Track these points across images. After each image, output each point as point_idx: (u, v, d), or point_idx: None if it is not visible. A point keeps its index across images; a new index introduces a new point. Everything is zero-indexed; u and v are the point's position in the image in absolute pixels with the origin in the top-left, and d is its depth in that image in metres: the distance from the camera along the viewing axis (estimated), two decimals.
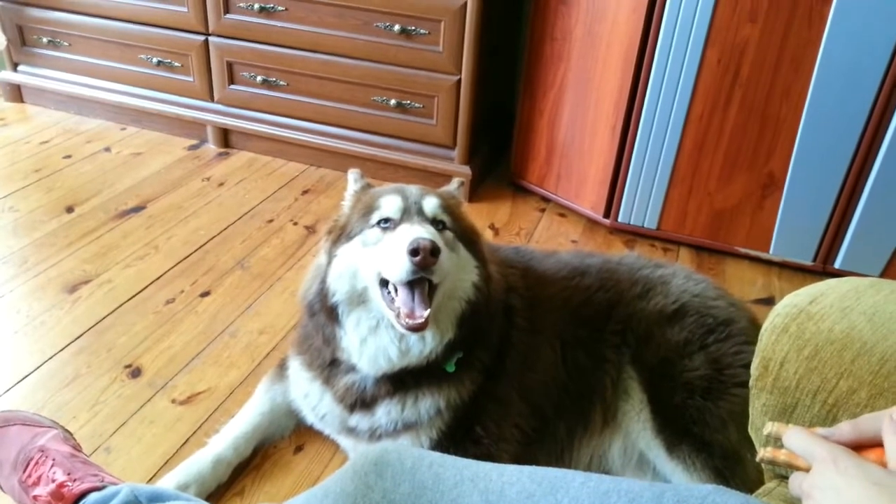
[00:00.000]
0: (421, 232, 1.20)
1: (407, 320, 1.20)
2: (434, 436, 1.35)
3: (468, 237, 1.35)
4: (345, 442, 1.46)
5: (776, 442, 0.75)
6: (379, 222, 1.28)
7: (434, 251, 1.16)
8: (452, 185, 1.49)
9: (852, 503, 0.59)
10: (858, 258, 2.24)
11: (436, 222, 1.28)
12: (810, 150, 2.14)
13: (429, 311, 1.21)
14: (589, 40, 2.32)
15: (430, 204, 1.30)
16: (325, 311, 1.33)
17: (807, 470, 0.68)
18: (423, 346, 1.29)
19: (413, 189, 1.34)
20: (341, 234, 1.34)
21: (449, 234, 1.30)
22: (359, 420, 1.37)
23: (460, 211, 1.39)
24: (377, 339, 1.30)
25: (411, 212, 1.28)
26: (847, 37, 1.96)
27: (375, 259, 1.26)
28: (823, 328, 0.85)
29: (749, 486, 1.27)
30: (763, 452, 0.74)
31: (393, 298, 1.23)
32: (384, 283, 1.25)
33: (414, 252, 1.15)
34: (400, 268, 1.18)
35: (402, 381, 1.33)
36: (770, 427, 0.74)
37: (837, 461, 0.62)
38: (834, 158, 2.13)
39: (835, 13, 1.95)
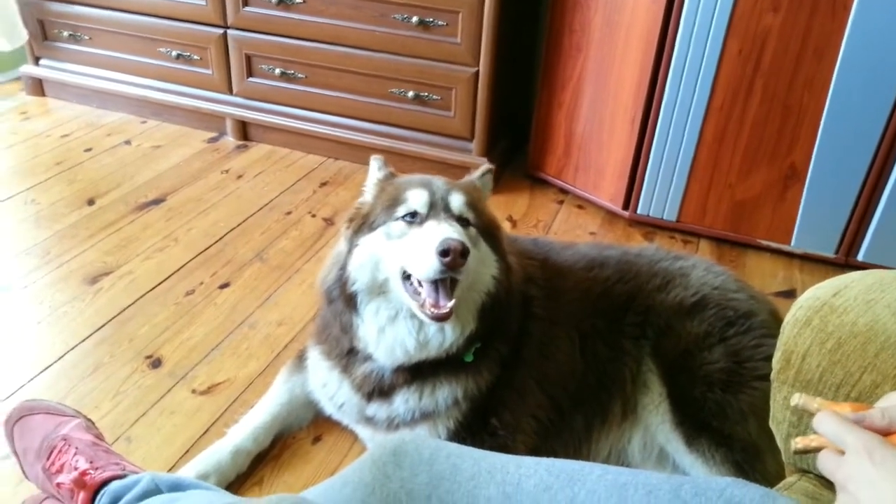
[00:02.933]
0: (450, 232, 1.20)
1: (432, 310, 1.21)
2: (451, 426, 1.36)
3: (489, 231, 1.35)
4: (363, 431, 1.47)
5: (802, 414, 0.73)
6: (405, 216, 1.28)
7: (464, 253, 1.16)
8: (477, 174, 1.47)
9: (888, 496, 0.58)
10: (881, 251, 2.21)
11: (461, 219, 1.28)
12: (833, 142, 2.11)
13: (453, 301, 1.22)
14: (608, 31, 2.30)
15: (457, 200, 1.29)
16: (343, 299, 1.33)
17: (839, 452, 0.66)
18: (442, 339, 1.29)
19: (439, 183, 1.33)
20: (363, 224, 1.34)
21: (473, 230, 1.30)
22: (377, 409, 1.38)
23: (483, 204, 1.39)
24: (395, 329, 1.30)
25: (438, 207, 1.27)
26: (871, 26, 1.93)
27: (400, 253, 1.26)
28: (847, 321, 0.83)
29: (769, 480, 1.26)
30: (795, 444, 0.72)
31: (417, 290, 1.24)
32: (407, 276, 1.25)
33: (444, 253, 1.16)
34: (428, 266, 1.18)
35: (419, 371, 1.33)
36: (797, 398, 0.71)
37: (873, 453, 0.61)
38: (857, 150, 2.10)
39: (859, 2, 1.91)
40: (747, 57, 2.09)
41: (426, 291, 1.22)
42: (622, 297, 1.48)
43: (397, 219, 1.28)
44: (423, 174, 1.45)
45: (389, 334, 1.31)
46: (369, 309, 1.32)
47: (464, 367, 1.34)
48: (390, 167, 1.44)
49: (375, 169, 1.43)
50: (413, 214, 1.27)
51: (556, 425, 1.43)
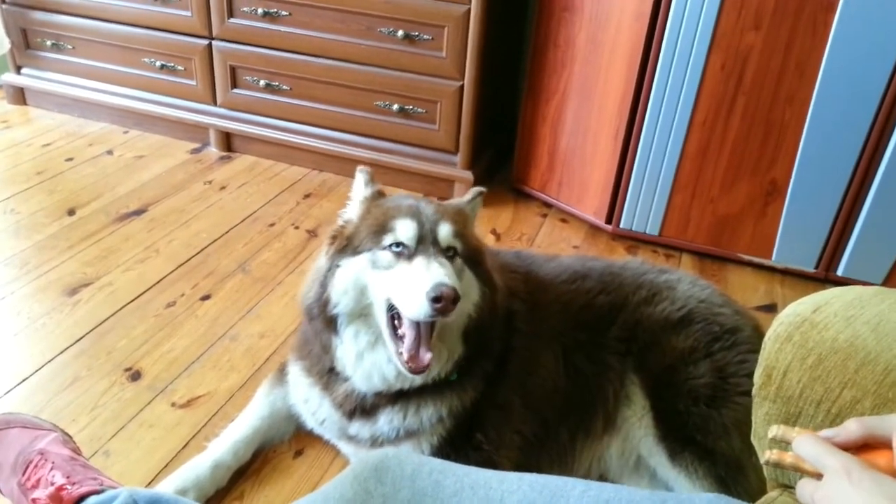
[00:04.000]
0: (442, 276, 1.18)
1: (410, 364, 1.22)
2: (435, 442, 1.35)
3: (473, 257, 1.33)
4: (345, 448, 1.46)
5: (782, 445, 0.75)
6: (391, 245, 1.25)
7: (456, 300, 1.16)
8: (468, 196, 1.44)
9: None
10: (861, 266, 2.23)
11: (449, 250, 1.26)
12: (813, 157, 2.13)
13: (430, 355, 1.22)
14: (592, 47, 2.32)
15: (445, 231, 1.27)
16: (323, 319, 1.32)
17: (814, 474, 0.67)
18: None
19: (429, 211, 1.30)
20: (347, 245, 1.31)
21: (459, 261, 1.29)
22: (359, 428, 1.37)
23: (469, 231, 1.36)
24: (374, 355, 1.29)
25: (427, 241, 1.25)
26: (851, 44, 1.96)
27: (387, 285, 1.24)
28: (827, 337, 0.84)
29: (751, 495, 1.26)
30: (769, 455, 0.73)
31: (399, 335, 1.24)
32: (391, 307, 1.24)
33: (436, 300, 1.15)
34: (418, 308, 1.17)
35: (402, 391, 1.32)
36: (776, 430, 0.73)
37: (851, 473, 0.62)
38: (837, 166, 2.13)
39: (839, 21, 1.94)
40: (730, 73, 2.11)
41: (407, 337, 1.22)
42: (605, 308, 1.48)
43: (384, 248, 1.26)
44: (410, 195, 1.42)
45: (368, 360, 1.30)
46: (349, 332, 1.30)
47: (448, 385, 1.33)
48: (377, 184, 1.42)
49: (361, 183, 1.41)
50: (401, 245, 1.25)
51: (541, 439, 1.43)
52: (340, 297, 1.29)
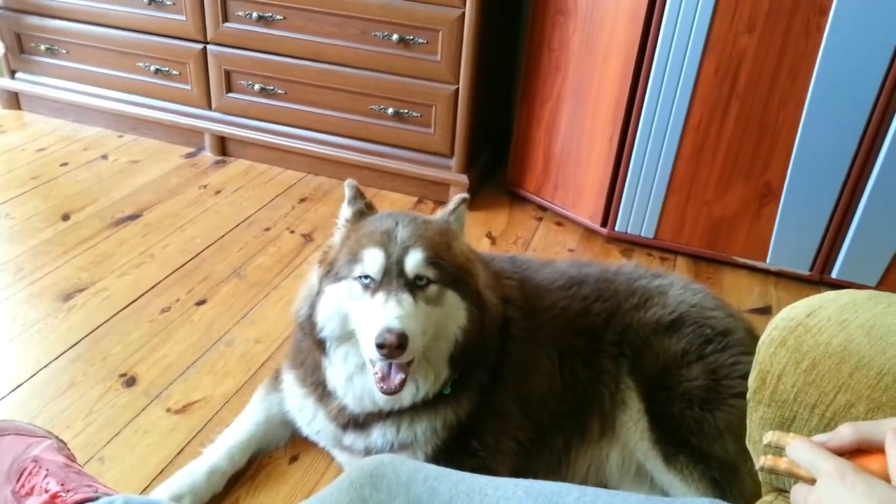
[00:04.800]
0: (390, 319, 1.16)
1: (381, 385, 1.22)
2: (430, 451, 1.35)
3: (458, 278, 1.29)
4: (340, 456, 1.46)
5: (776, 451, 0.75)
6: (360, 277, 1.24)
7: (401, 346, 1.15)
8: (450, 206, 1.37)
9: None
10: (855, 268, 2.24)
11: (417, 280, 1.23)
12: (807, 160, 2.14)
13: (402, 376, 1.21)
14: (586, 50, 2.32)
15: (413, 261, 1.22)
16: (312, 340, 1.33)
17: (808, 480, 0.68)
18: (415, 390, 1.29)
19: (402, 235, 1.25)
20: (330, 271, 1.30)
21: (433, 288, 1.24)
22: (353, 439, 1.37)
23: (451, 251, 1.30)
24: (364, 378, 1.29)
25: (392, 273, 1.22)
26: (844, 47, 1.97)
27: (358, 317, 1.24)
28: (821, 341, 0.84)
29: (746, 497, 1.26)
30: (763, 460, 0.74)
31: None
32: None
33: (380, 346, 1.15)
34: (370, 347, 1.18)
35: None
36: (771, 436, 0.73)
37: (845, 477, 0.62)
38: (831, 168, 2.13)
39: (832, 24, 1.95)
40: (723, 76, 2.12)
41: (377, 363, 1.22)
42: (601, 316, 1.48)
43: (356, 278, 1.24)
44: (392, 212, 1.35)
45: (358, 383, 1.30)
46: (338, 354, 1.31)
47: (442, 399, 1.33)
48: (362, 200, 1.37)
49: (347, 198, 1.37)
50: (368, 277, 1.23)
51: (537, 445, 1.43)
52: (326, 323, 1.29)
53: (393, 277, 1.22)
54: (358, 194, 1.37)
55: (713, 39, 2.08)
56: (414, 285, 1.22)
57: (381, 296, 1.20)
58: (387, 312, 1.18)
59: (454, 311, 1.28)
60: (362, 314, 1.23)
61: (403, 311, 1.18)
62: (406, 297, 1.20)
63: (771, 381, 0.87)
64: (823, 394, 0.82)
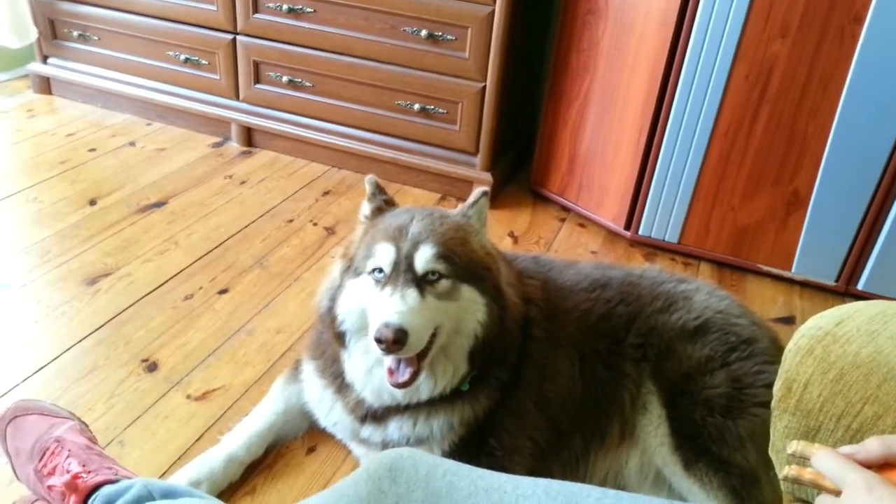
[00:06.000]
0: (391, 314, 1.17)
1: (389, 378, 1.23)
2: (446, 447, 1.35)
3: (475, 273, 1.28)
4: (357, 449, 1.46)
5: (801, 461, 0.74)
6: (373, 271, 1.25)
7: (398, 340, 1.15)
8: (470, 200, 1.36)
9: None
10: (882, 280, 2.21)
11: (428, 275, 1.23)
12: (837, 170, 2.11)
13: (410, 370, 1.22)
14: (616, 52, 2.31)
15: (423, 257, 1.22)
16: (332, 333, 1.34)
17: (833, 491, 0.67)
18: (433, 385, 1.29)
19: (415, 230, 1.26)
20: (350, 265, 1.32)
21: (445, 283, 1.24)
22: (371, 432, 1.37)
23: (467, 246, 1.29)
24: (383, 372, 1.28)
25: (400, 268, 1.22)
26: (878, 56, 1.94)
27: (371, 310, 1.25)
28: (849, 351, 0.83)
29: None
30: (788, 470, 0.73)
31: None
32: None
33: (378, 341, 1.16)
34: (374, 342, 1.18)
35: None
36: (795, 446, 0.73)
37: (872, 490, 0.61)
38: (860, 178, 2.10)
39: (867, 32, 1.92)
40: (754, 82, 2.10)
41: (385, 357, 1.23)
42: (623, 319, 1.47)
43: (370, 272, 1.26)
44: (410, 208, 1.36)
45: (377, 376, 1.30)
46: (357, 347, 1.31)
47: (460, 395, 1.33)
48: (383, 196, 1.38)
49: (368, 194, 1.38)
50: (381, 271, 1.24)
51: (554, 447, 1.42)
52: (346, 316, 1.31)
53: (401, 272, 1.22)
54: (378, 190, 1.38)
55: (745, 44, 2.05)
56: (424, 280, 1.23)
57: (388, 290, 1.22)
58: (388, 307, 1.19)
59: (472, 306, 1.27)
60: (373, 308, 1.24)
61: (406, 307, 1.18)
62: (411, 292, 1.20)
63: (797, 389, 0.86)
64: (850, 404, 0.81)
